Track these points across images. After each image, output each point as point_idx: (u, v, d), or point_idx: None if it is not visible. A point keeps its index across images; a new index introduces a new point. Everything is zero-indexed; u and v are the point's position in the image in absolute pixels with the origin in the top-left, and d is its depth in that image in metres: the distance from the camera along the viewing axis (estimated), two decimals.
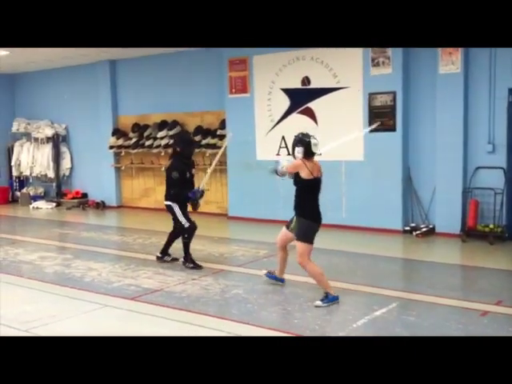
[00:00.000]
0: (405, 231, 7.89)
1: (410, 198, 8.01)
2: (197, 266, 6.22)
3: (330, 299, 4.90)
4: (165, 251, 6.55)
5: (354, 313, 4.69)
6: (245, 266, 6.38)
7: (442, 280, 5.66)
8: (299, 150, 5.12)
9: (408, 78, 7.84)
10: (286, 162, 5.36)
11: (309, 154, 5.12)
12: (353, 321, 4.48)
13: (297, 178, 5.16)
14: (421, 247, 7.28)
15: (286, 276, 5.69)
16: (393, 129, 7.87)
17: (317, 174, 5.18)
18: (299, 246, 5.09)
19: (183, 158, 6.33)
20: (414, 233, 7.72)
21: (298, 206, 5.23)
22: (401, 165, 7.88)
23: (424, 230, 7.68)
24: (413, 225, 7.88)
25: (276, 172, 5.34)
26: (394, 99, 7.81)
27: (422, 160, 7.89)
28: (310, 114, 8.54)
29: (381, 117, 7.91)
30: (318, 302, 4.89)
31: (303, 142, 5.15)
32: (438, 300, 4.95)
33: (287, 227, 5.34)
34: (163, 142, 10.25)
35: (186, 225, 6.20)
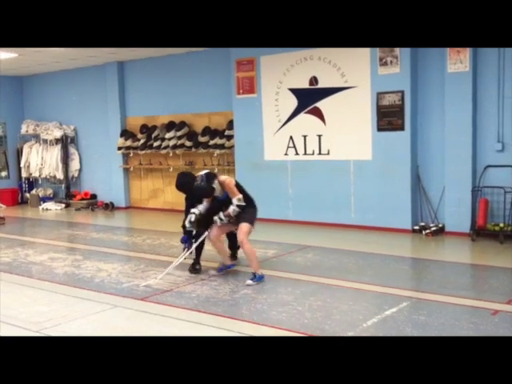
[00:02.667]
0: (414, 230, 7.86)
1: (419, 197, 7.98)
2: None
3: (258, 278, 5.61)
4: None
5: (365, 312, 4.68)
6: None
7: (453, 279, 5.64)
8: (213, 181, 5.75)
9: (416, 77, 7.81)
10: (202, 207, 5.92)
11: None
12: (363, 320, 4.47)
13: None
14: (430, 246, 7.26)
15: (296, 276, 5.74)
16: (401, 128, 7.85)
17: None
18: (245, 226, 5.71)
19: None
20: (424, 232, 7.69)
21: (246, 206, 5.80)
22: (409, 164, 7.85)
23: (433, 229, 7.66)
24: (422, 224, 7.86)
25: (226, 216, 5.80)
26: (403, 98, 7.79)
27: (430, 159, 7.86)
28: (318, 113, 8.53)
29: (389, 116, 7.90)
30: (249, 281, 5.57)
31: (210, 177, 5.78)
32: (448, 299, 4.93)
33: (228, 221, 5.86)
34: (171, 143, 10.28)
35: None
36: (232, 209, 5.70)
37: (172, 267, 5.92)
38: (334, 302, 4.96)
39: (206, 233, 5.94)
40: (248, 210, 5.78)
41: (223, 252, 6.11)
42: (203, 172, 5.89)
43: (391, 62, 7.83)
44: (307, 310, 4.78)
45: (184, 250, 6.14)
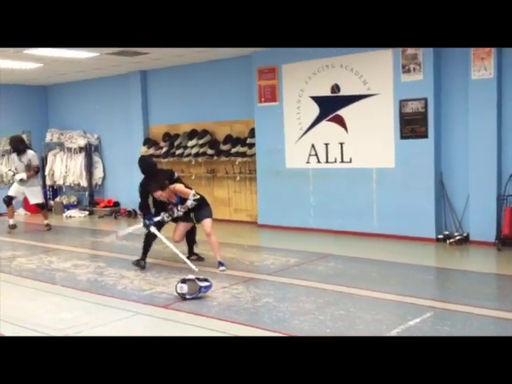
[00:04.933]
0: (438, 239, 7.76)
1: (443, 206, 7.88)
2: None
3: (223, 264, 6.54)
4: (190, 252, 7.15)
5: (388, 322, 4.62)
6: (275, 274, 6.36)
7: (478, 289, 5.55)
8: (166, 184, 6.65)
9: (439, 85, 7.74)
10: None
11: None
12: (387, 330, 4.41)
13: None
14: (455, 256, 7.15)
15: (318, 285, 5.77)
16: (425, 135, 7.77)
17: None
18: (209, 221, 6.72)
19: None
20: (448, 241, 7.58)
21: (202, 203, 6.80)
22: (433, 172, 7.77)
23: (458, 238, 7.54)
24: (446, 233, 7.74)
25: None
26: (426, 106, 7.72)
27: (454, 167, 7.76)
28: (340, 121, 8.50)
29: (412, 124, 7.83)
30: (223, 267, 6.47)
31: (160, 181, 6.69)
32: (473, 310, 4.84)
33: (194, 223, 6.92)
34: (193, 151, 10.33)
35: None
36: (190, 202, 6.60)
37: (132, 229, 7.24)
38: (357, 312, 4.92)
39: (157, 233, 6.74)
40: (205, 208, 6.80)
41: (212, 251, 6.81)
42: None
43: (414, 69, 7.77)
44: (329, 319, 4.73)
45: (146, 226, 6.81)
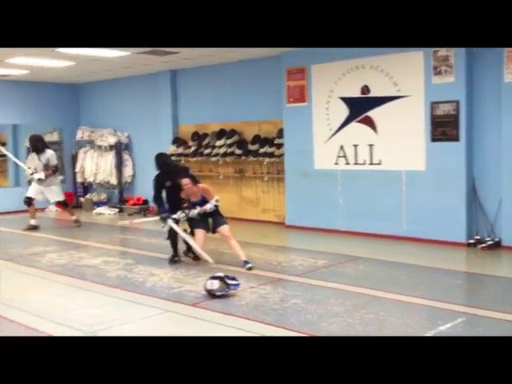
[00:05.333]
0: (469, 244, 7.64)
1: (475, 210, 7.76)
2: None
3: (249, 261, 6.57)
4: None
5: (418, 327, 4.57)
6: (303, 275, 6.35)
7: (509, 295, 5.46)
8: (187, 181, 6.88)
9: (472, 87, 7.62)
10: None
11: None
12: (416, 335, 4.37)
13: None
14: (486, 261, 7.03)
15: (347, 287, 5.77)
16: (456, 139, 7.66)
17: None
18: (227, 227, 6.88)
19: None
20: (479, 246, 7.47)
21: (218, 210, 7.00)
22: (464, 175, 7.66)
23: (489, 243, 7.41)
24: (477, 237, 7.62)
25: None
26: (457, 108, 7.61)
27: (487, 170, 7.64)
28: (370, 123, 8.44)
29: (443, 126, 7.73)
30: (250, 265, 6.52)
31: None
32: (505, 316, 4.76)
33: (210, 230, 6.95)
34: (221, 151, 10.37)
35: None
36: (209, 206, 6.81)
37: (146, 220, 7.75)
38: (386, 316, 4.87)
39: (174, 226, 6.92)
40: (220, 215, 6.98)
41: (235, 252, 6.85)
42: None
43: (445, 71, 7.67)
44: (358, 322, 4.71)
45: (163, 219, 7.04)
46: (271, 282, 6.04)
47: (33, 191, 10.02)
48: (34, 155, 10.08)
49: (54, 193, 10.07)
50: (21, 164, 10.70)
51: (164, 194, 7.20)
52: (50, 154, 9.96)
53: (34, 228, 9.95)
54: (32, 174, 10.00)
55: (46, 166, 9.82)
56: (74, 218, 10.35)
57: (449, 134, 7.72)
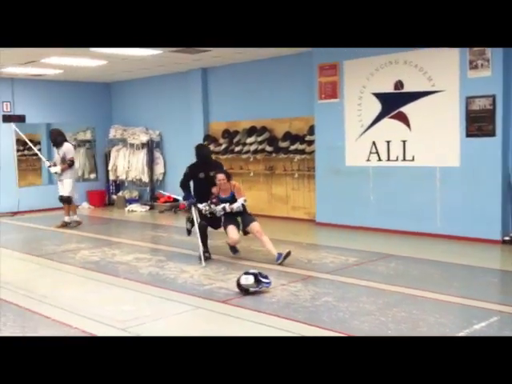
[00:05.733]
0: (504, 241, 7.46)
1: (510, 207, 7.57)
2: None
3: (282, 253, 6.60)
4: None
5: (452, 326, 4.48)
6: (334, 273, 6.29)
7: None
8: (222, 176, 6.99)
9: (509, 81, 7.42)
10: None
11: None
12: (451, 334, 4.27)
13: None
14: None
15: (379, 285, 5.69)
16: (492, 134, 7.48)
17: None
18: (257, 224, 6.90)
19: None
20: None
21: (245, 210, 7.04)
22: (500, 171, 7.47)
23: None
24: None
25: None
26: (494, 103, 7.43)
27: None
28: (403, 118, 8.31)
29: (479, 121, 7.56)
30: (283, 254, 6.57)
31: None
32: None
33: (243, 231, 6.99)
34: (252, 148, 10.37)
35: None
36: (237, 205, 6.85)
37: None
38: (420, 314, 4.79)
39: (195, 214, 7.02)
40: (248, 214, 7.03)
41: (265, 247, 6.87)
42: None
43: (482, 65, 7.49)
44: (391, 320, 4.63)
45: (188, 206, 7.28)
46: (302, 280, 6.00)
47: (60, 189, 9.97)
48: (54, 149, 10.13)
49: (65, 186, 9.89)
50: (41, 156, 10.79)
51: (193, 185, 7.29)
52: (66, 147, 9.86)
53: (65, 225, 9.93)
54: (49, 166, 10.03)
55: (63, 160, 9.80)
56: (75, 216, 10.00)
57: (484, 130, 7.54)
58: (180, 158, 12.16)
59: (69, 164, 9.81)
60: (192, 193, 7.28)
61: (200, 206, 6.98)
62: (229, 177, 7.02)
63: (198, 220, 7.05)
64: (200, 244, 6.90)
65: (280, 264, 6.55)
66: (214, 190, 6.96)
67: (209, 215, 6.97)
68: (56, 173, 9.92)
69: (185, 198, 7.35)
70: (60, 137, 9.96)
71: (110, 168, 13.24)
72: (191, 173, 7.27)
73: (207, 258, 6.97)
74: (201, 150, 7.50)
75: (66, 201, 9.93)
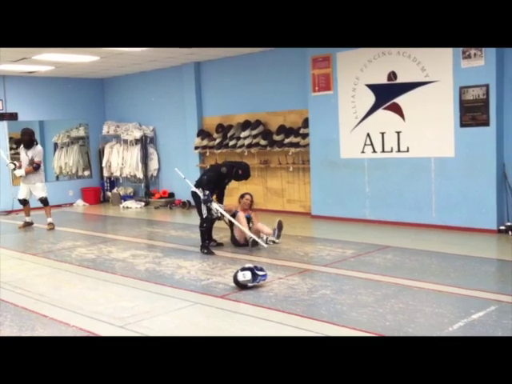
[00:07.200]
0: (500, 231, 7.49)
1: (506, 196, 7.60)
2: (210, 253, 7.04)
3: (275, 231, 7.39)
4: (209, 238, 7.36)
5: (450, 316, 4.50)
6: (331, 265, 6.30)
7: None
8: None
9: (502, 71, 7.44)
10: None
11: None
12: (449, 324, 4.29)
13: None
14: None
15: (376, 277, 5.69)
16: (486, 123, 7.49)
17: None
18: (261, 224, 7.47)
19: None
20: (510, 233, 7.32)
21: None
22: (495, 161, 7.49)
23: None
24: (508, 224, 7.47)
25: None
26: (487, 92, 7.44)
27: None
28: (397, 109, 8.31)
29: (473, 111, 7.57)
30: (276, 234, 7.35)
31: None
32: None
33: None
34: (246, 142, 10.34)
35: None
36: (247, 232, 7.21)
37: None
38: (417, 305, 4.80)
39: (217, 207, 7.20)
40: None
41: (261, 230, 7.33)
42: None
43: (475, 54, 7.49)
44: (389, 312, 4.64)
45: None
46: (299, 273, 6.01)
47: (22, 193, 9.67)
48: (22, 149, 9.59)
49: (39, 189, 9.62)
50: (4, 158, 10.24)
51: (206, 177, 7.31)
52: (38, 150, 9.49)
53: (27, 225, 9.77)
54: (14, 169, 9.64)
55: (32, 162, 9.40)
56: (49, 219, 9.63)
57: (478, 119, 7.55)
58: (174, 154, 12.17)
59: (34, 167, 9.40)
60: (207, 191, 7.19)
61: (215, 205, 7.14)
62: (252, 202, 7.64)
63: (206, 215, 7.19)
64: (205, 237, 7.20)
65: (278, 238, 7.32)
66: (239, 207, 7.44)
67: (215, 215, 7.23)
68: (21, 176, 9.55)
69: (206, 197, 7.14)
70: (31, 137, 9.49)
71: (103, 165, 13.19)
72: (222, 179, 7.46)
73: (209, 252, 7.09)
74: (248, 170, 7.67)
75: (43, 201, 9.68)
